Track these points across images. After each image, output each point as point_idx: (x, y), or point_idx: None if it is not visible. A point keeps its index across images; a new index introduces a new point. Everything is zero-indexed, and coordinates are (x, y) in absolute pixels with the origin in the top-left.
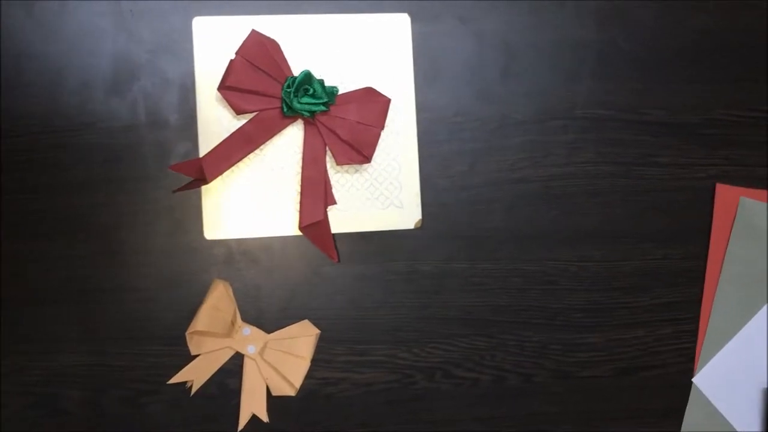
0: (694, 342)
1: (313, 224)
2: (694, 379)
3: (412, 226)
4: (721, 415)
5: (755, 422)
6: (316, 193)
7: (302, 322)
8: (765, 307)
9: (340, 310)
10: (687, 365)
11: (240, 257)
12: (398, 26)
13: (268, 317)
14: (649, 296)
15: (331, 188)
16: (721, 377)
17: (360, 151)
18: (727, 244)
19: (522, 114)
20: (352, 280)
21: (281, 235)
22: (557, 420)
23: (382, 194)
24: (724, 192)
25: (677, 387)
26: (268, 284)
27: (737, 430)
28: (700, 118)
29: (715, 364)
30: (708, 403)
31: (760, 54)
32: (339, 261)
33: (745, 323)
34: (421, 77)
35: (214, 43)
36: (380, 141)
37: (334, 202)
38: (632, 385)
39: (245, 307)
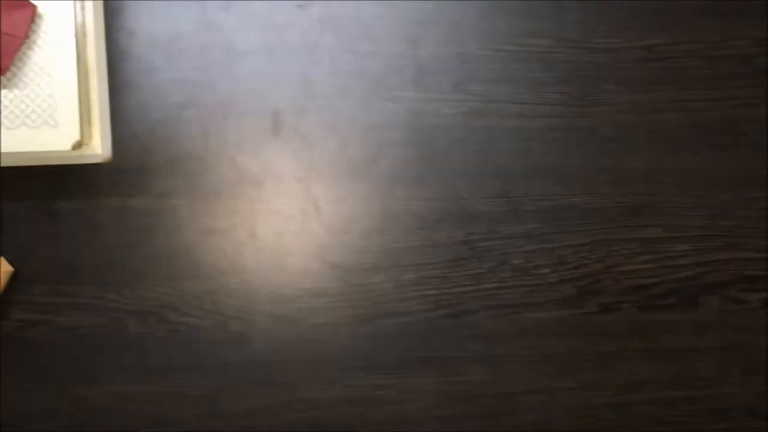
0: (440, 288)
1: None
2: None
3: (69, 147)
4: None
5: None
6: None
7: None
8: None
9: (41, 248)
10: (430, 314)
11: None
12: None
13: None
14: (390, 239)
15: None
16: None
17: None
18: None
19: (251, 42)
20: (53, 217)
21: None
22: (295, 369)
23: (35, 112)
24: None
25: (418, 335)
26: None
27: None
28: (451, 51)
29: None
30: None
31: None
32: None
33: None
34: (130, 1)
35: None
36: (34, 56)
37: None
38: (369, 334)
39: None
